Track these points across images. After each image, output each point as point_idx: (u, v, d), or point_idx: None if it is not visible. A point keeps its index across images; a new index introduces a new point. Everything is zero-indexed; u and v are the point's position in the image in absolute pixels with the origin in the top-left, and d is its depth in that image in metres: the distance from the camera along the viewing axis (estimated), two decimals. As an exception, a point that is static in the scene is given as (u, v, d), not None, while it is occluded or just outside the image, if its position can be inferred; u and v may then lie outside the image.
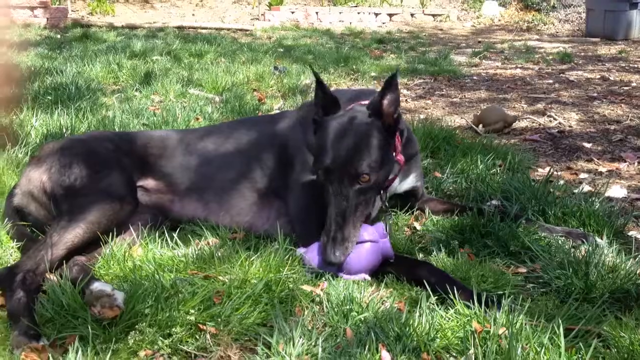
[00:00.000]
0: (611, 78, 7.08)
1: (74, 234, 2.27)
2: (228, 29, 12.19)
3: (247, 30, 12.20)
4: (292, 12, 13.63)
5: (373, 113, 2.41)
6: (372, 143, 2.35)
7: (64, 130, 4.04)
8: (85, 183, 2.44)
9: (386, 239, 2.34)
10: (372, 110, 2.41)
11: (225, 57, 7.88)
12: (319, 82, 2.48)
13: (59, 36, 9.96)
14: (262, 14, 13.69)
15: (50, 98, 5.01)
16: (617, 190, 3.38)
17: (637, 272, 2.27)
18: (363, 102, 2.54)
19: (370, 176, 2.31)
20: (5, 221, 2.53)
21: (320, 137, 2.40)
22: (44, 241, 2.24)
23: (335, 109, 2.46)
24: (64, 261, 2.24)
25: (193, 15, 14.16)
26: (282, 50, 8.84)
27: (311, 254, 2.35)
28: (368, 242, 2.31)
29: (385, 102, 2.39)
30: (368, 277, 2.31)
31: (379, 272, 2.35)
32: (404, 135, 2.66)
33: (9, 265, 2.23)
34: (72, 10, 12.95)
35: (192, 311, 2.01)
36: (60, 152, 2.56)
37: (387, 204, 2.66)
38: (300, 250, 2.40)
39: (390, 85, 2.39)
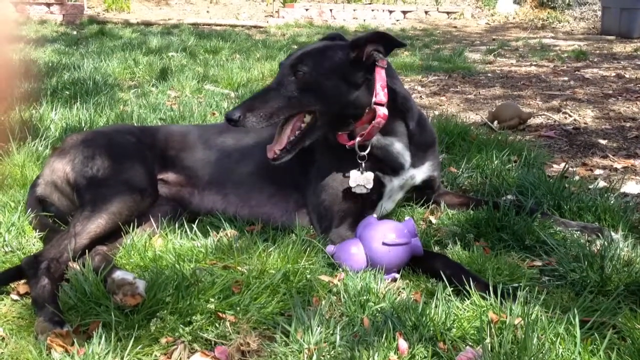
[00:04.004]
0: (627, 76, 7.06)
1: (96, 224, 2.32)
2: (242, 26, 12.25)
3: (261, 27, 12.24)
4: (306, 10, 13.65)
5: (351, 44, 2.55)
6: (327, 55, 2.52)
7: (83, 125, 4.10)
8: (107, 174, 2.48)
9: (416, 237, 2.36)
10: (351, 41, 2.58)
11: (239, 54, 7.93)
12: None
13: (75, 32, 10.05)
14: (276, 11, 13.72)
15: (68, 93, 5.08)
16: (632, 186, 3.38)
17: (653, 266, 2.28)
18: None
19: (306, 75, 2.44)
20: (28, 211, 2.58)
21: None
22: (67, 230, 2.29)
23: None
24: (87, 250, 2.29)
25: (207, 12, 14.22)
26: (296, 47, 8.87)
27: (342, 254, 2.36)
28: (400, 244, 2.31)
29: (369, 43, 2.50)
30: (398, 276, 2.32)
31: None
32: (398, 95, 2.65)
33: (33, 253, 2.27)
34: (87, 7, 13.05)
35: (212, 300, 2.04)
36: (83, 144, 2.61)
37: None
38: (330, 249, 2.40)
39: (383, 38, 2.51)
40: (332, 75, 2.47)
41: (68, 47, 8.12)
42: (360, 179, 2.58)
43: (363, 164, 2.58)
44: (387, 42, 2.51)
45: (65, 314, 2.00)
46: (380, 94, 2.52)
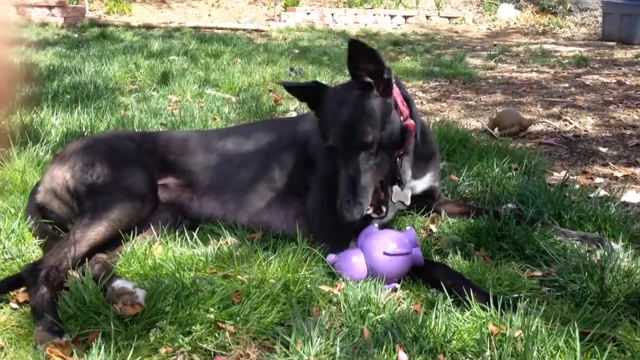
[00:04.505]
0: (627, 83, 7.05)
1: (96, 231, 2.31)
2: (244, 30, 12.25)
3: (262, 30, 12.25)
4: (308, 14, 13.66)
5: (357, 82, 2.45)
6: (367, 106, 2.38)
7: (84, 129, 4.10)
8: (107, 181, 2.48)
9: (417, 247, 2.35)
10: (355, 79, 2.46)
11: (241, 58, 7.93)
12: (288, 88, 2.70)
13: (76, 35, 10.05)
14: (277, 15, 13.73)
15: (69, 97, 5.08)
16: (632, 195, 3.38)
17: (653, 277, 2.28)
18: None
19: (373, 140, 2.35)
20: (29, 218, 2.58)
21: (320, 116, 2.50)
22: (67, 238, 2.29)
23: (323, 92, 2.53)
24: (86, 258, 2.29)
25: (209, 15, 14.23)
26: (297, 51, 8.88)
27: (344, 264, 2.35)
28: (401, 254, 2.30)
29: (359, 67, 2.40)
30: (398, 286, 2.32)
31: None
32: (412, 104, 2.66)
33: (32, 261, 2.27)
34: (89, 10, 13.05)
35: (212, 310, 2.04)
36: (83, 151, 2.61)
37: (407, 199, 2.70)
38: (331, 259, 2.39)
39: (353, 51, 2.35)
40: (385, 124, 2.42)
41: (69, 50, 8.13)
42: (400, 195, 2.62)
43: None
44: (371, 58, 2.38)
45: (65, 323, 2.00)
46: (404, 109, 2.55)
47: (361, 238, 2.40)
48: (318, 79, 6.45)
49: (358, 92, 2.41)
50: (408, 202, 2.68)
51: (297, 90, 2.69)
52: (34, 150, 3.49)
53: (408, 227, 2.49)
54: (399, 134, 2.49)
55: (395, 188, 2.61)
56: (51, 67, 6.46)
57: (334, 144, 2.37)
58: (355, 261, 2.32)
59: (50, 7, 11.90)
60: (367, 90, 2.40)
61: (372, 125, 2.35)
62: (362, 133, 2.33)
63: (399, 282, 2.32)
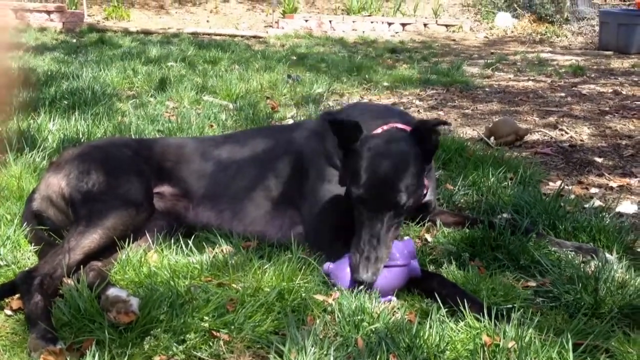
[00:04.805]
0: (623, 92, 7.08)
1: (91, 239, 2.32)
2: (242, 36, 12.26)
3: (260, 37, 12.27)
4: (306, 20, 13.68)
5: (416, 140, 2.41)
6: (410, 171, 2.34)
7: (81, 136, 4.10)
8: (103, 189, 2.49)
9: (415, 259, 2.35)
10: (415, 136, 2.42)
11: (239, 64, 7.93)
12: (334, 122, 2.46)
13: (74, 40, 10.06)
14: (275, 22, 13.75)
15: (66, 103, 5.08)
16: (627, 206, 3.39)
17: (647, 288, 2.29)
18: (399, 126, 2.55)
19: (406, 204, 2.33)
20: (24, 225, 2.58)
21: (356, 161, 2.37)
22: (62, 246, 2.29)
23: (358, 134, 2.43)
24: (81, 266, 2.29)
25: (207, 21, 14.24)
26: (295, 58, 8.89)
27: (339, 272, 2.33)
28: (399, 266, 2.30)
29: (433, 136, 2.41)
30: (395, 300, 2.30)
31: None
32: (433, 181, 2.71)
33: (27, 268, 2.27)
34: (87, 15, 13.05)
35: (206, 318, 2.05)
36: (79, 158, 2.61)
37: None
38: (327, 268, 2.38)
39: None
40: (418, 190, 2.43)
41: (67, 55, 8.13)
42: None
43: None
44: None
45: (59, 331, 2.00)
46: (427, 182, 2.58)
47: None
48: (315, 86, 6.47)
49: (403, 148, 2.39)
50: None
51: (339, 127, 2.47)
52: (31, 156, 3.49)
53: (406, 238, 2.48)
54: (418, 204, 2.50)
55: None
56: (49, 73, 6.46)
57: (366, 195, 2.30)
58: (349, 271, 2.32)
59: (48, 12, 11.90)
60: (412, 148, 2.39)
61: (408, 189, 2.32)
62: (397, 193, 2.30)
63: (394, 294, 2.32)
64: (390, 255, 2.30)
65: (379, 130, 2.52)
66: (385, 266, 2.29)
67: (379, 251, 2.27)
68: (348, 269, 2.32)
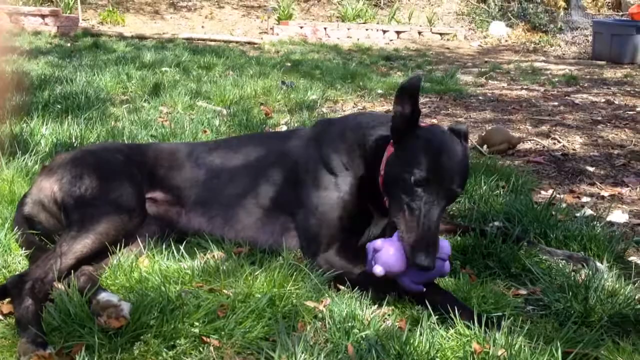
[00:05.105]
0: (616, 102, 7.12)
1: (82, 244, 2.31)
2: (237, 42, 12.29)
3: (255, 43, 12.29)
4: (301, 27, 13.72)
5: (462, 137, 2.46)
6: (466, 165, 2.40)
7: (74, 140, 4.09)
8: (95, 194, 2.48)
9: (448, 259, 2.35)
10: (462, 136, 2.47)
11: (233, 70, 7.95)
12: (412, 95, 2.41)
13: (69, 45, 10.05)
14: (270, 28, 13.78)
15: (60, 107, 5.07)
16: (618, 215, 3.41)
17: (636, 297, 2.30)
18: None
19: (458, 196, 2.34)
20: (15, 229, 2.58)
21: (416, 146, 2.35)
22: (53, 250, 2.29)
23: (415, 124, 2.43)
24: (72, 271, 2.28)
25: (202, 27, 14.27)
26: (289, 64, 8.91)
27: (389, 259, 2.26)
28: (440, 259, 2.29)
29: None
30: (423, 289, 2.31)
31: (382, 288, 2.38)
32: None
33: (18, 273, 2.27)
34: (82, 19, 13.06)
35: (197, 324, 2.04)
36: (71, 163, 2.60)
37: None
38: (377, 244, 2.31)
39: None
40: None
41: (61, 59, 8.12)
42: None
43: None
44: None
45: (49, 335, 1.99)
46: None
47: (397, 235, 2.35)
48: (309, 92, 6.48)
49: (462, 145, 2.43)
50: None
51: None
52: (23, 160, 3.48)
53: (443, 239, 2.43)
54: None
55: None
56: (42, 77, 6.45)
57: (428, 178, 2.27)
58: (396, 254, 2.26)
59: (43, 16, 11.89)
60: (464, 145, 2.45)
61: (463, 183, 2.36)
62: (456, 183, 2.31)
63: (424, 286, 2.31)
64: None
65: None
66: None
67: (435, 239, 2.25)
68: (393, 252, 2.27)
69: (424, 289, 2.28)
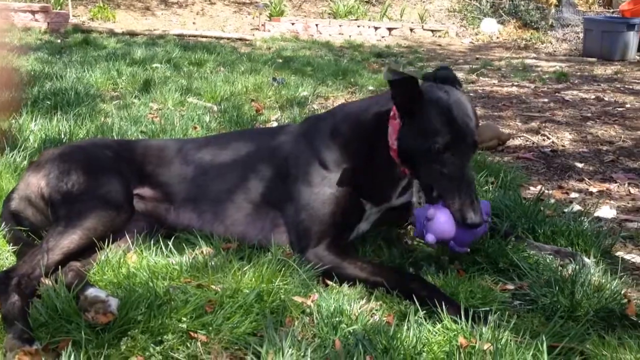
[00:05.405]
0: (606, 99, 7.15)
1: (70, 239, 2.30)
2: (228, 39, 12.26)
3: (247, 40, 12.27)
4: (292, 24, 13.71)
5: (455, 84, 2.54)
6: (473, 109, 2.46)
7: (63, 136, 4.08)
8: (83, 190, 2.48)
9: (489, 220, 2.41)
10: (454, 82, 2.54)
11: (224, 67, 7.94)
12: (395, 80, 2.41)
13: (59, 41, 10.00)
14: (262, 25, 13.76)
15: (49, 103, 5.05)
16: (606, 211, 3.43)
17: (622, 292, 2.32)
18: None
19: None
20: (2, 225, 2.57)
21: (430, 113, 2.36)
22: (41, 246, 2.28)
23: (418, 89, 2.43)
24: (60, 266, 2.27)
25: (194, 23, 14.22)
26: (281, 61, 8.90)
27: (438, 226, 2.32)
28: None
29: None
30: (468, 250, 2.40)
31: (371, 283, 2.40)
32: None
33: (4, 269, 2.26)
34: (73, 15, 12.99)
35: (184, 319, 2.04)
36: (59, 158, 2.60)
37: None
38: (430, 211, 2.34)
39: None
40: None
41: (51, 55, 8.08)
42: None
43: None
44: None
45: (36, 331, 1.98)
46: None
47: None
48: (300, 89, 6.48)
49: (461, 91, 2.51)
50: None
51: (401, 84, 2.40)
52: (11, 156, 3.47)
53: (484, 201, 2.49)
54: None
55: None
56: (32, 73, 6.43)
57: (453, 140, 2.31)
58: (446, 221, 2.31)
59: (33, 12, 11.82)
60: (461, 89, 2.54)
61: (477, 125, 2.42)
62: (476, 132, 2.38)
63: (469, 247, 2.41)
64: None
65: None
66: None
67: (476, 194, 2.32)
68: (444, 219, 2.31)
69: (468, 250, 2.39)
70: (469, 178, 2.34)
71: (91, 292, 2.07)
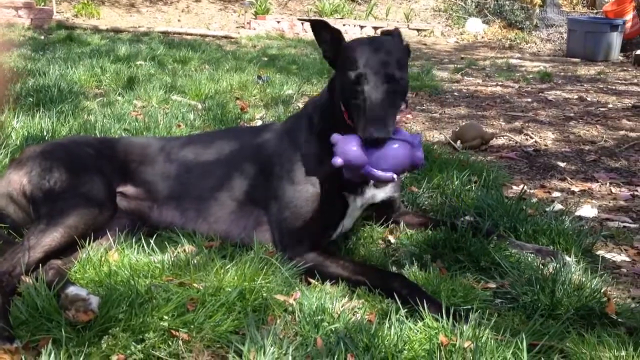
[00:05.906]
0: (588, 99, 7.21)
1: (51, 237, 2.29)
2: (213, 36, 12.21)
3: (232, 37, 12.22)
4: (278, 22, 13.68)
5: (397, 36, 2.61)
6: (398, 48, 2.54)
7: (45, 134, 4.05)
8: (64, 187, 2.46)
9: (420, 147, 2.35)
10: (395, 35, 2.62)
11: (209, 65, 7.91)
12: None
13: (42, 37, 9.92)
14: (247, 22, 13.73)
15: (32, 100, 5.01)
16: (587, 210, 3.46)
17: (602, 290, 2.34)
18: None
19: (400, 78, 2.41)
20: (-17, 223, 2.55)
21: (348, 52, 2.47)
22: (22, 244, 2.27)
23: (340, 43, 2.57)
24: (41, 264, 2.26)
25: (179, 20, 14.16)
26: (266, 59, 8.88)
27: (344, 147, 2.29)
28: (399, 140, 2.31)
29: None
30: (396, 177, 2.33)
31: (353, 281, 2.40)
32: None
33: (-15, 267, 2.24)
34: (56, 12, 12.89)
35: (166, 317, 2.04)
36: (41, 156, 2.58)
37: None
38: (335, 138, 2.34)
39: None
40: (405, 77, 2.52)
41: (34, 52, 8.01)
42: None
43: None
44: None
45: (16, 329, 1.97)
46: None
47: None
48: (285, 87, 6.47)
49: (392, 37, 2.60)
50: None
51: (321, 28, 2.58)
52: (-7, 153, 3.44)
53: (415, 134, 2.47)
54: (406, 89, 2.55)
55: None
56: (15, 69, 6.37)
57: (364, 70, 2.37)
58: (354, 147, 2.28)
59: (16, 8, 11.71)
60: (396, 38, 2.60)
61: (400, 63, 2.45)
62: (393, 65, 2.41)
63: (397, 174, 2.33)
64: (397, 131, 2.35)
65: None
66: (389, 139, 2.30)
67: (385, 113, 2.33)
68: (352, 146, 2.29)
69: (395, 177, 2.33)
70: (378, 100, 2.34)
71: (72, 290, 2.05)
